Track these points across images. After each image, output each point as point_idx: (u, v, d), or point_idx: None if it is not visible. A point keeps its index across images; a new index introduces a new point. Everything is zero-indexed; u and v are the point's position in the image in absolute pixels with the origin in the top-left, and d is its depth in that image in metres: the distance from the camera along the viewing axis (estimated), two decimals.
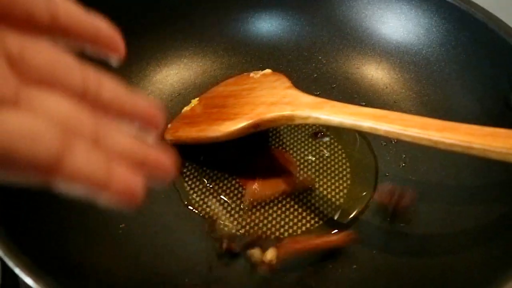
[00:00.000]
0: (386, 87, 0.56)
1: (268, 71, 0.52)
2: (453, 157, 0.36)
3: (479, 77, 0.49)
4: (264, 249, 0.40)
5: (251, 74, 0.52)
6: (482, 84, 0.49)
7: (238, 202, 0.46)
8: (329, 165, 0.49)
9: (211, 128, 0.46)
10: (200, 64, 0.59)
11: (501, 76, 0.47)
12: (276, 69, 0.52)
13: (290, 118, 0.42)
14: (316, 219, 0.44)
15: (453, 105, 0.51)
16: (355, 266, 0.40)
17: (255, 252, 0.40)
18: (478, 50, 0.50)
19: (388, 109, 0.41)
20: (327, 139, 0.51)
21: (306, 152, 0.50)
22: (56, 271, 0.32)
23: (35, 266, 0.30)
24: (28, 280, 0.29)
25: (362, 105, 0.42)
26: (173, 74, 0.57)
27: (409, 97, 0.55)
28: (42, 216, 0.37)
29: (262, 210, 0.45)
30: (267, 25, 0.60)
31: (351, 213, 0.45)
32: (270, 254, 0.40)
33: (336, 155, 0.50)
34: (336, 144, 0.51)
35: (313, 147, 0.51)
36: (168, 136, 0.49)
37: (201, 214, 0.45)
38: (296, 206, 0.45)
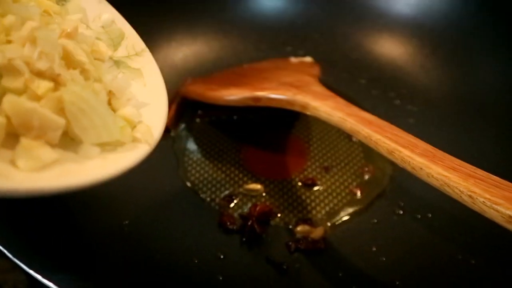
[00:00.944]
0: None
1: (307, 58, 0.53)
2: (467, 155, 0.35)
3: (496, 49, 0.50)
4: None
5: (291, 59, 0.54)
6: (499, 55, 0.49)
7: (244, 187, 0.46)
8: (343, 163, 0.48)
9: (217, 89, 0.47)
10: (191, 47, 0.57)
11: None
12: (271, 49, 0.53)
13: (291, 102, 0.42)
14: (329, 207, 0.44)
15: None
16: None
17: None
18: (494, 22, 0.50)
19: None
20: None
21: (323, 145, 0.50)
22: (67, 269, 0.32)
23: (46, 266, 0.30)
24: (39, 277, 0.29)
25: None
26: (161, 58, 0.55)
27: (415, 72, 0.55)
28: (47, 219, 0.38)
29: (277, 196, 0.45)
30: (259, 5, 0.59)
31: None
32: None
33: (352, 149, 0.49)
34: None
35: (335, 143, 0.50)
36: (182, 89, 0.51)
37: (207, 202, 0.45)
38: (307, 194, 0.45)
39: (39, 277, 0.29)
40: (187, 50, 0.57)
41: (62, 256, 0.34)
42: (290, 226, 0.43)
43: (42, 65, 0.25)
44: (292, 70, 0.49)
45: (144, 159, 0.27)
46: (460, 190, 0.29)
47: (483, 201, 0.28)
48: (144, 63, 0.35)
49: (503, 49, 0.49)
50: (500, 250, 0.37)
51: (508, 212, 0.26)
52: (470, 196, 0.28)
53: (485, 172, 0.30)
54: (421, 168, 0.31)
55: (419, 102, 0.52)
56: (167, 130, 0.50)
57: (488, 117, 0.48)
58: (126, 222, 0.41)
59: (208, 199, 0.45)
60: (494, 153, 0.45)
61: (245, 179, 0.46)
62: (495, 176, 0.29)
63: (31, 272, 0.29)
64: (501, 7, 0.49)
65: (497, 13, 0.50)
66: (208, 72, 0.55)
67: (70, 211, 0.39)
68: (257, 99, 0.44)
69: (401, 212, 0.43)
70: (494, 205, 0.27)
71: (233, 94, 0.45)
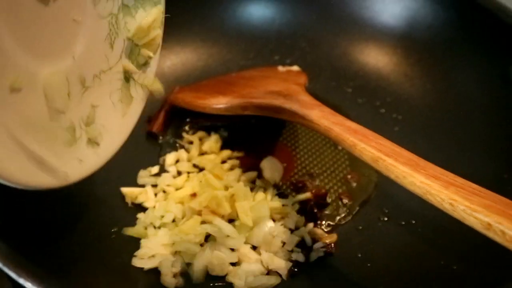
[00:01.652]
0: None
1: (295, 67, 0.54)
2: (451, 162, 0.36)
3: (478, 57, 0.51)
4: None
5: (279, 67, 0.54)
6: (481, 63, 0.51)
7: None
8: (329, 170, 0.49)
9: (205, 97, 0.47)
10: (179, 55, 0.58)
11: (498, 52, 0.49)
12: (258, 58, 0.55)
13: (278, 109, 0.42)
14: None
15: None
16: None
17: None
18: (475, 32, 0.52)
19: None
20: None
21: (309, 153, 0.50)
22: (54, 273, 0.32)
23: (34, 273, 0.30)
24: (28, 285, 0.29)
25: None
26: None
27: (400, 81, 0.55)
28: (36, 225, 0.38)
29: None
30: (247, 14, 0.60)
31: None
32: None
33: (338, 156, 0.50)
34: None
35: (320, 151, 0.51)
36: (170, 97, 0.52)
37: None
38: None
39: (29, 285, 0.29)
40: (175, 58, 0.57)
41: (49, 262, 0.34)
42: None
43: None
44: (279, 79, 0.50)
45: None
46: (441, 198, 0.30)
47: (463, 209, 0.28)
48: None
49: (485, 59, 0.51)
50: (480, 256, 0.37)
51: (487, 219, 0.27)
52: (451, 204, 0.29)
53: (465, 180, 0.30)
54: (404, 177, 0.32)
55: (404, 110, 0.53)
56: (155, 137, 0.50)
57: (471, 125, 0.49)
58: (115, 229, 0.42)
59: None
60: (477, 160, 0.46)
61: None
62: (474, 184, 0.30)
63: (21, 280, 0.29)
64: (481, 19, 0.50)
65: (478, 24, 0.51)
66: (196, 80, 0.56)
67: (58, 217, 0.40)
68: (245, 107, 0.44)
69: (386, 218, 0.44)
70: (473, 213, 0.28)
71: (221, 103, 0.46)
